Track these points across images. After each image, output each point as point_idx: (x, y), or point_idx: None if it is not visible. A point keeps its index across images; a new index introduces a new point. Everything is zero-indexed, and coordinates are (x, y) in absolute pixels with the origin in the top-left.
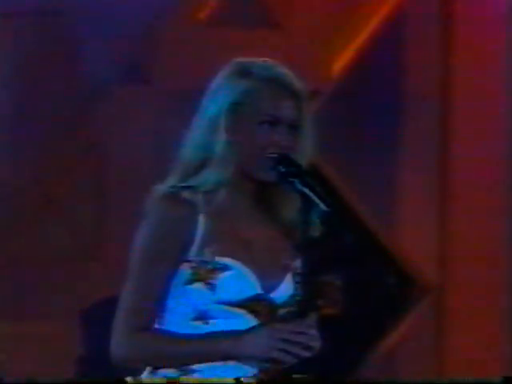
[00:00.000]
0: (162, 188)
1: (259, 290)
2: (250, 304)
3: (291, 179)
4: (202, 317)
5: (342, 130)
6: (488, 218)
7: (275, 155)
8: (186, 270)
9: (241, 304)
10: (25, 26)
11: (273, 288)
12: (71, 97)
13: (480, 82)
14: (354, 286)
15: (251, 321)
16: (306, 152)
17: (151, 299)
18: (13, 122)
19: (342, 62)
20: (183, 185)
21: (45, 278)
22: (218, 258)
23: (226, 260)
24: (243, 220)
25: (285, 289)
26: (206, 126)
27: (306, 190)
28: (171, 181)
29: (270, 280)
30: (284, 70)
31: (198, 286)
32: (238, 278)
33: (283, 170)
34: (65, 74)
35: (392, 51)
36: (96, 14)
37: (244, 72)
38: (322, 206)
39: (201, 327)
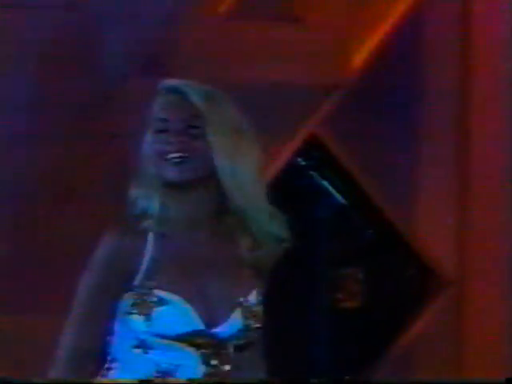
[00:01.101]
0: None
1: (200, 325)
2: (188, 338)
3: (311, 172)
4: (142, 346)
5: (361, 124)
6: (507, 211)
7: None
8: (128, 300)
9: (178, 338)
10: (43, 19)
11: (217, 323)
12: (93, 88)
13: (499, 79)
14: (374, 279)
15: (192, 354)
16: (208, 158)
17: (94, 338)
18: (33, 112)
19: (362, 56)
20: (136, 211)
21: (68, 272)
22: (156, 291)
23: (165, 294)
24: (196, 247)
25: (231, 323)
26: None
27: (325, 183)
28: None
29: (214, 315)
30: (182, 82)
31: (136, 317)
32: (175, 313)
33: (303, 163)
34: (85, 66)
35: (412, 45)
36: (113, 7)
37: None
38: (340, 199)
39: (141, 355)
